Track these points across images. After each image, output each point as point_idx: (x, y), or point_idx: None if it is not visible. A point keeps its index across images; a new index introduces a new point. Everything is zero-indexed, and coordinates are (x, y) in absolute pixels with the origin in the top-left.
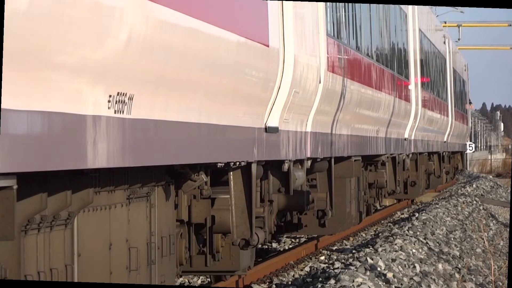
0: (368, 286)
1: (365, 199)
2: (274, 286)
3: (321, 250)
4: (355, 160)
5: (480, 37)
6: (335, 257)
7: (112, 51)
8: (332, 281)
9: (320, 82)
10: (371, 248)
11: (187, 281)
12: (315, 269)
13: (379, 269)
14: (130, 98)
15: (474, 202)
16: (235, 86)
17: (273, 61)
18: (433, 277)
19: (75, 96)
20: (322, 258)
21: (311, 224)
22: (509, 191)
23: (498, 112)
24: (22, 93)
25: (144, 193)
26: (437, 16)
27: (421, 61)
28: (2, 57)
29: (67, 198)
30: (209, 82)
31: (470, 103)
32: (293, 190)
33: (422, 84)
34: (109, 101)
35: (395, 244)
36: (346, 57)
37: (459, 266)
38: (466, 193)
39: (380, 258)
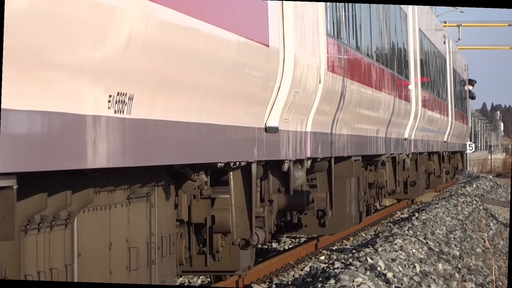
0: (368, 286)
1: (365, 199)
2: (274, 286)
3: (321, 250)
4: (355, 160)
5: (480, 37)
6: (335, 257)
7: (112, 51)
8: (332, 281)
9: (320, 82)
10: (371, 248)
11: (187, 281)
12: (315, 269)
13: (379, 269)
14: (130, 98)
15: (474, 202)
16: (235, 86)
17: (273, 61)
18: (433, 277)
19: (75, 96)
20: (322, 258)
21: (311, 224)
22: (509, 191)
23: (498, 112)
24: (22, 93)
25: (144, 193)
26: (437, 16)
27: (421, 61)
28: (2, 57)
29: (67, 198)
30: (209, 82)
31: (470, 96)
32: (293, 190)
33: (422, 84)
34: (109, 101)
35: (395, 244)
36: (346, 57)
37: (459, 266)
38: (466, 193)
39: (380, 258)
